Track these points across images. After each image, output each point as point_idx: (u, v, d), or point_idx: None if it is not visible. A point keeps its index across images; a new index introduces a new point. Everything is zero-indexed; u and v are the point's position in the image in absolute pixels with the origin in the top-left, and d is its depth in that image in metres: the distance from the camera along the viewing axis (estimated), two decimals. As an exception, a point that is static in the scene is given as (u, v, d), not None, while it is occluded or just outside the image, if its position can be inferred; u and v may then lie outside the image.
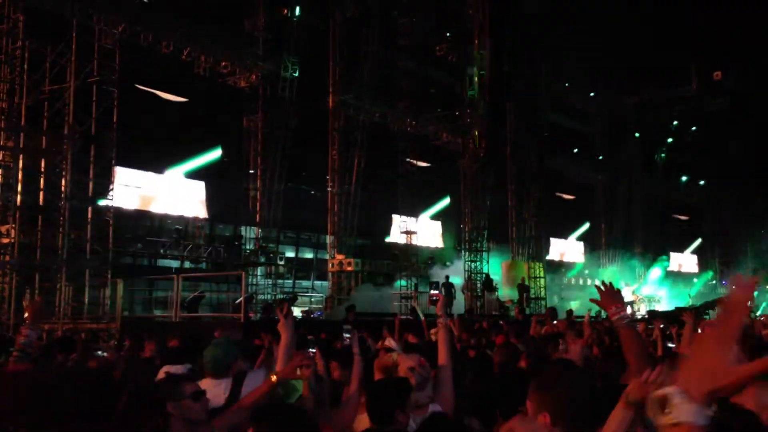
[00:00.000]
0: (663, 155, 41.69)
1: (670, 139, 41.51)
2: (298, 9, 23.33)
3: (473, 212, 25.72)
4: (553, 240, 36.00)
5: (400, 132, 26.72)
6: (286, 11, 23.50)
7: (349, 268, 25.74)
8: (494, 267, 26.86)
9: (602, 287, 3.42)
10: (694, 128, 39.97)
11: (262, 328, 9.69)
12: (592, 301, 3.52)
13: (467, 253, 25.52)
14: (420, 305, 22.11)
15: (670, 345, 7.78)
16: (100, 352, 7.71)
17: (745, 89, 35.97)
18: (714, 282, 40.29)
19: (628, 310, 3.46)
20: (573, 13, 29.25)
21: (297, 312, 22.39)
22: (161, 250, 21.11)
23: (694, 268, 44.93)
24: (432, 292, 23.24)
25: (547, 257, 32.37)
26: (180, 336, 7.30)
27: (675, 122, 40.93)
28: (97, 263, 16.88)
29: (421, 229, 26.75)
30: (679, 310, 23.73)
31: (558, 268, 35.02)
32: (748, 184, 38.35)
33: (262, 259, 23.43)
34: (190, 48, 22.20)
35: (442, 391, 3.96)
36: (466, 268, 24.99)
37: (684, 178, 43.27)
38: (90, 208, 16.93)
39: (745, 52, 33.62)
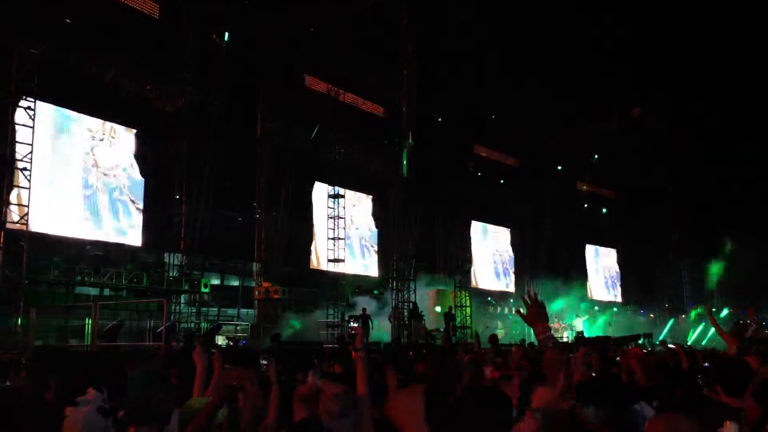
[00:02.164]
0: (585, 188, 43.00)
1: (591, 173, 42.90)
2: (227, 35, 23.21)
3: (401, 241, 25.88)
4: (479, 268, 36.52)
5: (329, 161, 26.73)
6: (215, 36, 23.35)
7: (276, 296, 25.42)
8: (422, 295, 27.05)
9: (529, 300, 3.42)
10: (614, 162, 41.32)
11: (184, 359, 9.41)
12: (518, 313, 3.58)
13: (394, 281, 25.61)
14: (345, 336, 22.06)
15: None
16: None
17: (662, 126, 37.65)
18: (630, 311, 41.47)
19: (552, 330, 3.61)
20: (500, 49, 30.05)
21: (221, 341, 21.95)
22: (78, 278, 20.35)
23: (615, 298, 46.34)
24: (351, 325, 23.12)
25: (474, 285, 32.80)
26: (86, 369, 6.86)
27: (596, 156, 42.34)
28: (10, 290, 16.21)
29: (353, 257, 26.76)
30: (598, 339, 24.40)
31: (484, 296, 35.48)
32: (664, 219, 39.97)
33: (186, 287, 22.93)
34: (114, 71, 21.74)
35: (362, 421, 4.04)
36: (393, 297, 25.06)
37: (604, 210, 44.66)
38: (2, 233, 16.27)
39: (662, 90, 35.20)
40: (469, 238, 30.05)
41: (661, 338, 28.65)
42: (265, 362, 4.51)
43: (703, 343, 28.21)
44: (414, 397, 2.81)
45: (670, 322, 36.01)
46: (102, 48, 20.94)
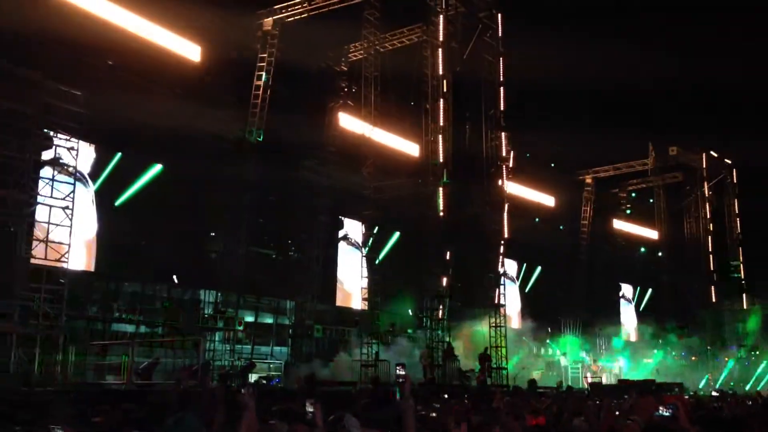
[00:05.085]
0: (620, 227, 42.42)
1: (628, 210, 42.36)
2: (264, 75, 23.58)
3: (435, 280, 25.55)
4: (515, 307, 36.04)
5: (363, 199, 26.70)
6: (251, 77, 23.74)
7: (310, 334, 25.36)
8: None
9: None
10: (651, 200, 40.74)
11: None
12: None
13: (428, 320, 25.26)
14: (380, 376, 21.78)
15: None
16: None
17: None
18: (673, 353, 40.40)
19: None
20: (536, 88, 30.06)
21: (254, 379, 21.87)
22: (117, 314, 20.55)
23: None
24: (398, 372, 22.68)
25: (510, 325, 32.27)
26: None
27: (633, 194, 41.85)
28: (49, 327, 16.38)
29: (386, 296, 26.52)
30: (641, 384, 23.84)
31: (520, 335, 34.90)
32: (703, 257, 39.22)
33: (221, 324, 23.00)
34: (155, 109, 22.03)
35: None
36: (427, 336, 24.70)
37: (643, 249, 43.92)
38: (44, 270, 16.52)
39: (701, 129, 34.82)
40: (505, 276, 29.62)
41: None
42: (311, 409, 4.47)
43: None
44: None
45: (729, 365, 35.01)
46: (140, 86, 21.31)
